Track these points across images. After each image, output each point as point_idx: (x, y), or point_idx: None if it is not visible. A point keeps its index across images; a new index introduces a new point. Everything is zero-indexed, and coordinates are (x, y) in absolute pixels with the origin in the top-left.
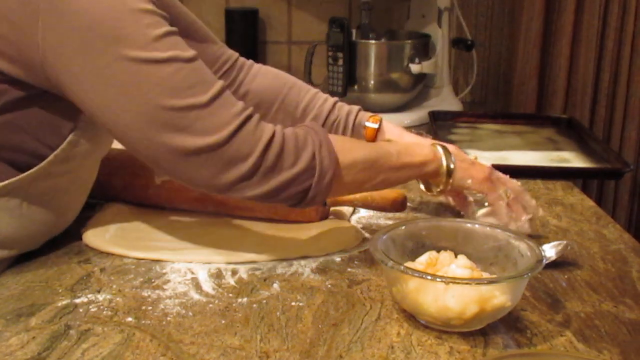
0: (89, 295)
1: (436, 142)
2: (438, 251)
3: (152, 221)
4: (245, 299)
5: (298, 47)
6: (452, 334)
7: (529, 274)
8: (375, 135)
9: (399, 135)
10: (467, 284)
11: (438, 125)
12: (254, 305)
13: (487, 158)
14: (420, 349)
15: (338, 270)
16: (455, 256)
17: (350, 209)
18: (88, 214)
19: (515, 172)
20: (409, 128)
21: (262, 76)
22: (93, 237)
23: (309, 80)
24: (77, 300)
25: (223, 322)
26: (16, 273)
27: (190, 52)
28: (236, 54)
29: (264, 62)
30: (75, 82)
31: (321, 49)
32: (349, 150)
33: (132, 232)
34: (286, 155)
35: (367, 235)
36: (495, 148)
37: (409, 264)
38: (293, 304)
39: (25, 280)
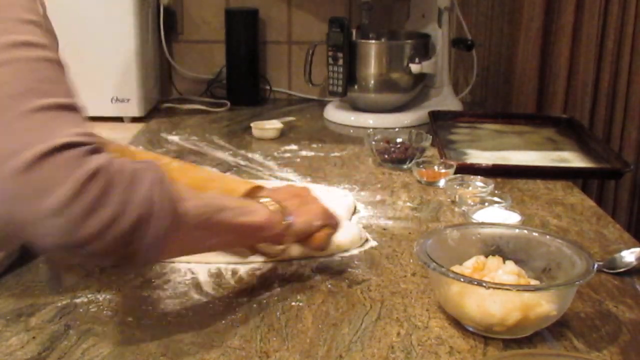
0: (89, 295)
1: (264, 197)
2: (487, 256)
3: None
4: (245, 299)
5: (298, 47)
6: (452, 334)
7: (574, 283)
8: None
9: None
10: (508, 290)
11: (438, 125)
12: (254, 305)
13: (487, 158)
14: (420, 349)
15: (338, 270)
16: (504, 262)
17: (352, 208)
18: None
19: (515, 172)
20: (409, 128)
21: None
22: None
23: (309, 80)
24: (77, 300)
25: (223, 322)
26: (16, 273)
27: (52, 54)
28: None
29: (265, 62)
30: None
31: (321, 49)
32: (189, 199)
33: None
34: (114, 193)
35: (368, 235)
36: (495, 148)
37: (456, 268)
38: (293, 304)
39: (25, 280)
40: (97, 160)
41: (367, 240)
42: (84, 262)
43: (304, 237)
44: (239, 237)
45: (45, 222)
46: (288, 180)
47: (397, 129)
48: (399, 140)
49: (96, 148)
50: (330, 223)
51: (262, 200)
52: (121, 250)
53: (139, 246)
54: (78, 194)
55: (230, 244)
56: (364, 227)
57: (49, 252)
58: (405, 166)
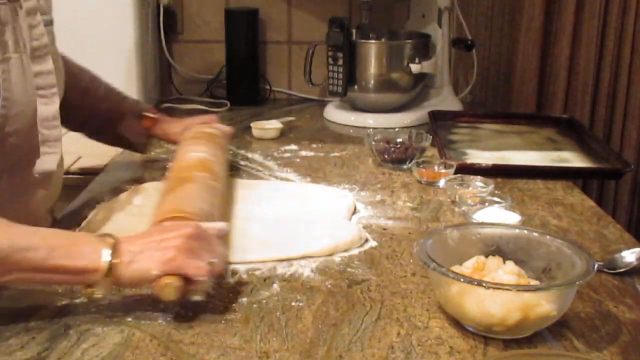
0: None
1: (104, 237)
2: (487, 256)
3: (145, 222)
4: (245, 299)
5: (298, 47)
6: (452, 334)
7: (574, 283)
8: (154, 125)
9: (172, 130)
10: (508, 290)
11: (438, 125)
12: (254, 305)
13: (487, 158)
14: (420, 349)
15: (338, 270)
16: (504, 262)
17: (352, 208)
18: (83, 215)
19: (516, 172)
20: (409, 128)
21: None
22: None
23: (309, 80)
24: (77, 301)
25: (223, 322)
26: None
27: None
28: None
29: (265, 62)
30: None
31: (321, 49)
32: None
33: (125, 233)
34: None
35: (368, 235)
36: (495, 148)
37: (456, 268)
38: (293, 304)
39: None
40: None
41: (367, 240)
42: None
43: (139, 284)
44: (51, 277)
45: None
46: (288, 180)
47: (397, 129)
48: (399, 140)
49: None
50: (179, 273)
51: (107, 239)
52: None
53: None
54: None
55: (43, 282)
56: (363, 227)
57: None
58: (405, 166)
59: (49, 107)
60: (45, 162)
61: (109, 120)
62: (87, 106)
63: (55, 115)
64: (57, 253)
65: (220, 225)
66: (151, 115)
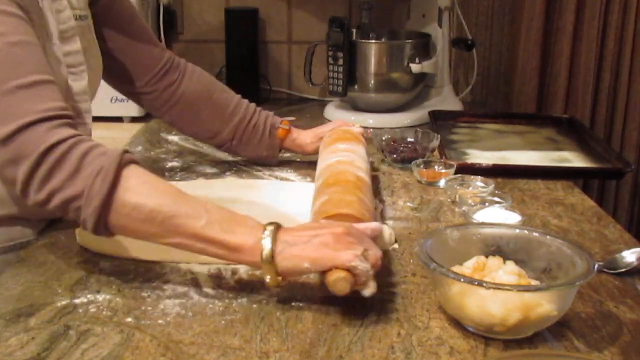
0: (88, 296)
1: (268, 223)
2: (487, 256)
3: None
4: (245, 299)
5: (298, 47)
6: (452, 334)
7: (574, 284)
8: (286, 136)
9: (304, 140)
10: (509, 290)
11: (438, 125)
12: (254, 305)
13: (487, 158)
14: (421, 349)
15: None
16: (504, 262)
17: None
18: None
19: (516, 172)
20: (409, 128)
21: (196, 78)
22: (87, 237)
23: (309, 80)
24: (77, 301)
25: (223, 322)
26: (16, 273)
27: (15, 37)
28: (174, 56)
29: (265, 62)
30: None
31: (321, 49)
32: (140, 193)
33: None
34: (64, 166)
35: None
36: (496, 148)
37: (456, 268)
38: (293, 304)
39: (24, 280)
40: (58, 135)
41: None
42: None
43: (291, 275)
44: (207, 248)
45: (22, 185)
46: (288, 180)
47: (397, 129)
48: (409, 139)
49: (63, 123)
50: (332, 265)
51: (267, 225)
52: (67, 215)
53: (77, 216)
54: (37, 165)
55: (201, 251)
56: None
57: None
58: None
59: (79, 83)
60: None
61: (240, 132)
62: (218, 118)
63: (85, 90)
64: (217, 226)
65: (374, 225)
66: (284, 127)
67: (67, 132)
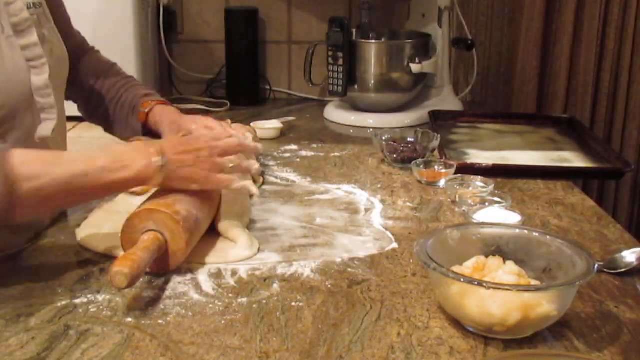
0: (88, 296)
1: (154, 143)
2: (487, 256)
3: None
4: (245, 299)
5: (298, 47)
6: (452, 334)
7: (574, 284)
8: (146, 119)
9: (171, 120)
10: (509, 290)
11: (438, 125)
12: (254, 305)
13: (487, 158)
14: (421, 349)
15: (338, 270)
16: (504, 262)
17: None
18: (84, 214)
19: (516, 172)
20: (409, 128)
21: (89, 62)
22: (87, 237)
23: (309, 80)
24: (77, 301)
25: (223, 322)
26: (16, 273)
27: None
28: (87, 43)
29: (265, 62)
30: None
31: (321, 49)
32: (34, 177)
33: None
34: None
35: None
36: (496, 148)
37: (456, 268)
38: (293, 304)
39: (25, 280)
40: None
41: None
42: None
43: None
44: (109, 190)
45: None
46: (288, 179)
47: (397, 129)
48: (409, 139)
49: None
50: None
51: (153, 147)
52: None
53: None
54: None
55: (101, 196)
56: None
57: None
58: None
59: (40, 77)
60: (43, 129)
61: (111, 113)
62: (103, 102)
63: (47, 84)
64: (110, 169)
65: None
66: (143, 110)
67: None
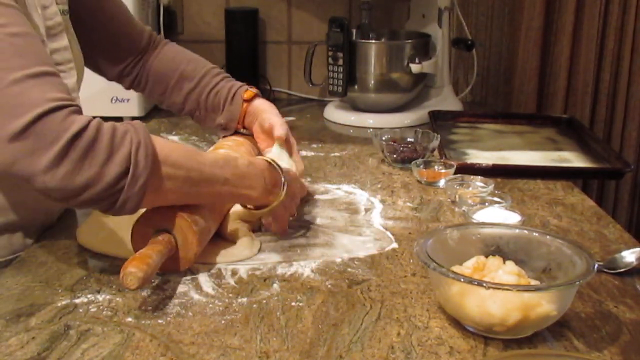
0: (88, 295)
1: (284, 173)
2: (487, 256)
3: None
4: (245, 299)
5: (298, 47)
6: (452, 334)
7: (574, 283)
8: (251, 99)
9: (267, 113)
10: (508, 290)
11: (438, 125)
12: (254, 305)
13: (487, 158)
14: (420, 349)
15: (338, 270)
16: (504, 262)
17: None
18: (84, 215)
19: (516, 172)
20: (409, 128)
21: (164, 53)
22: (87, 237)
23: (309, 80)
24: (77, 301)
25: (223, 322)
26: (16, 273)
27: (16, 28)
28: (154, 34)
29: (265, 62)
30: None
31: (321, 49)
32: (172, 163)
33: (125, 233)
34: (98, 149)
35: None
36: (496, 148)
37: (456, 268)
38: (293, 304)
39: (25, 280)
40: (79, 122)
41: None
42: (80, 208)
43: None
44: (224, 201)
45: (43, 177)
46: None
47: (397, 129)
48: (409, 139)
49: (75, 109)
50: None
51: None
52: (107, 200)
53: (123, 198)
54: (65, 153)
55: (219, 202)
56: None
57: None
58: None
59: (69, 81)
60: None
61: (203, 101)
62: (184, 89)
63: (74, 87)
64: (236, 182)
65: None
66: (252, 90)
67: (85, 117)
